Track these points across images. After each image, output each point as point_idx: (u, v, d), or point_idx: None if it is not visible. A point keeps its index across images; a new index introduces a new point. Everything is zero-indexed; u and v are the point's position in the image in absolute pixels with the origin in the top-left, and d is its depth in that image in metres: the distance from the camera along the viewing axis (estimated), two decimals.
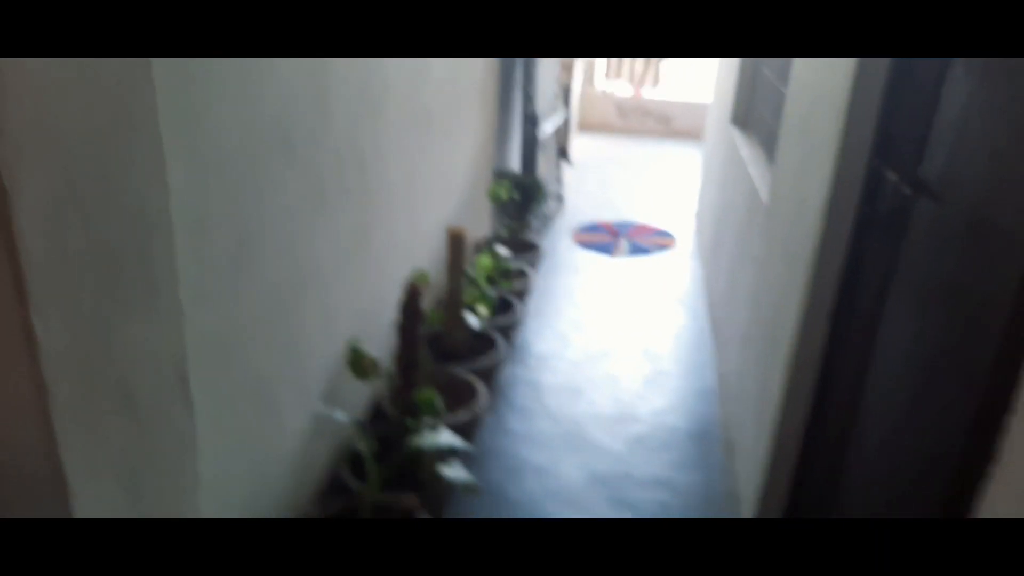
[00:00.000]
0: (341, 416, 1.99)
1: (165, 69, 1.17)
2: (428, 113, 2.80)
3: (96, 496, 0.91)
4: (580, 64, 6.99)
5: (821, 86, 2.00)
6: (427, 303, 2.92)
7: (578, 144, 7.54)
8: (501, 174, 3.80)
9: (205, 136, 1.29)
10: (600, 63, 7.79)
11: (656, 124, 7.94)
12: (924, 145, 1.49)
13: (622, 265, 4.64)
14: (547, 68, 4.97)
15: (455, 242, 2.72)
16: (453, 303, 2.78)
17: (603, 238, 5.07)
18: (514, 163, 4.62)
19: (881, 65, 1.66)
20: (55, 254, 0.79)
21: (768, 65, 3.42)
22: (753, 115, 3.73)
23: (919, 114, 1.52)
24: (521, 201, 3.72)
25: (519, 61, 4.35)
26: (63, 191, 0.78)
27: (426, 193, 2.90)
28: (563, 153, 6.05)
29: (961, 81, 1.36)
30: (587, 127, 7.99)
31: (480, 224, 3.96)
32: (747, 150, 3.39)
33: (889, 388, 1.57)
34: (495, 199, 3.54)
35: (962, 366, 1.25)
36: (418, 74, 2.63)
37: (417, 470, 2.09)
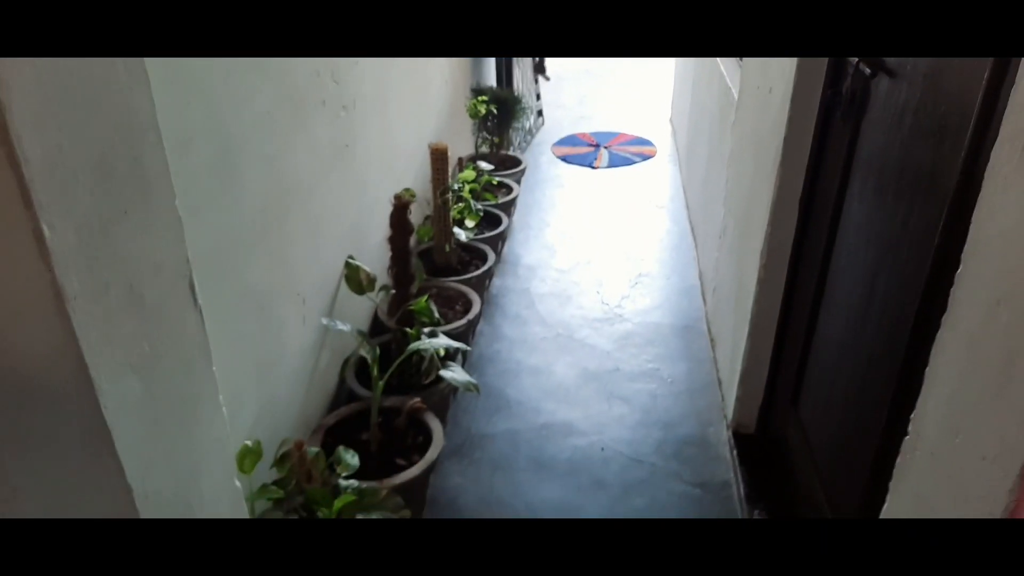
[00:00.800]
0: (343, 326, 2.10)
1: None
2: None
3: (120, 395, 1.00)
4: None
5: None
6: (415, 220, 3.00)
7: (552, 59, 7.46)
8: (478, 90, 3.81)
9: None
10: None
11: None
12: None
13: (603, 175, 4.71)
14: None
15: (437, 157, 2.77)
16: (440, 217, 2.87)
17: (583, 150, 5.12)
18: (491, 79, 4.61)
19: None
20: (51, 156, 0.86)
21: None
22: None
23: None
24: (500, 116, 3.75)
25: None
26: (53, 96, 0.85)
27: (402, 110, 2.93)
28: (540, 68, 6.00)
29: None
30: None
31: (462, 141, 3.99)
32: None
33: (850, 265, 1.69)
34: (474, 115, 3.57)
35: (915, 235, 1.36)
36: None
37: (419, 374, 2.22)
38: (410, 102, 3.04)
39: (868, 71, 1.57)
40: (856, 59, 1.65)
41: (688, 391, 2.64)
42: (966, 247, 0.99)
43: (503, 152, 4.07)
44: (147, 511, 1.10)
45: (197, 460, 1.21)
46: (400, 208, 2.15)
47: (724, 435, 2.41)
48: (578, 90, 6.69)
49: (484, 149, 3.95)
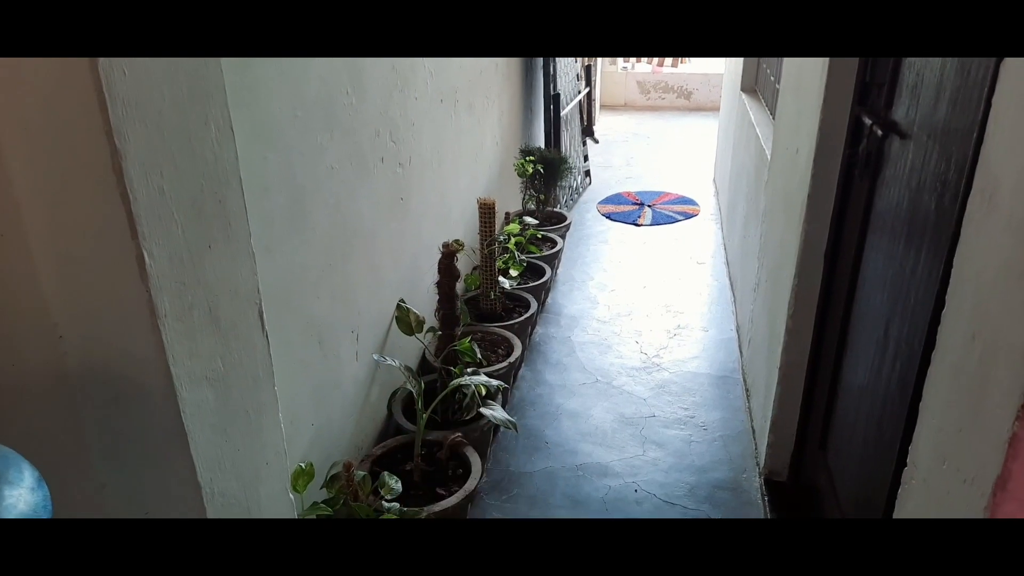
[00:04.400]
0: (392, 362, 2.26)
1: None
2: (454, 91, 3.05)
3: (197, 403, 1.17)
4: None
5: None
6: (464, 269, 3.19)
7: (603, 122, 7.71)
8: (527, 151, 4.04)
9: (261, 110, 1.56)
10: None
11: (677, 99, 8.07)
12: (893, 90, 1.68)
13: (647, 233, 4.84)
14: None
15: (485, 211, 2.96)
16: (486, 266, 3.04)
17: (628, 208, 5.27)
18: (540, 141, 4.84)
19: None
20: (154, 197, 1.04)
21: None
22: (760, 80, 3.89)
23: (889, 63, 1.71)
24: (546, 175, 3.95)
25: None
26: (158, 148, 1.04)
27: (455, 167, 3.15)
28: (588, 131, 6.24)
29: None
30: (611, 106, 8.15)
31: (510, 198, 4.20)
32: (755, 114, 3.57)
33: (868, 313, 1.77)
34: (521, 174, 3.78)
35: (921, 282, 1.45)
36: (444, 56, 2.87)
37: (461, 410, 2.35)
38: (463, 160, 3.26)
39: (880, 132, 1.69)
40: (870, 121, 1.77)
41: (722, 438, 2.70)
42: (949, 287, 1.09)
43: (549, 208, 4.26)
44: (214, 510, 1.25)
45: (258, 467, 1.36)
46: (447, 255, 2.32)
47: (756, 482, 2.46)
48: (626, 151, 6.90)
49: (531, 206, 4.15)
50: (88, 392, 1.14)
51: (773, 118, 3.28)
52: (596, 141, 7.00)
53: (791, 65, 2.52)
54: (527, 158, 3.81)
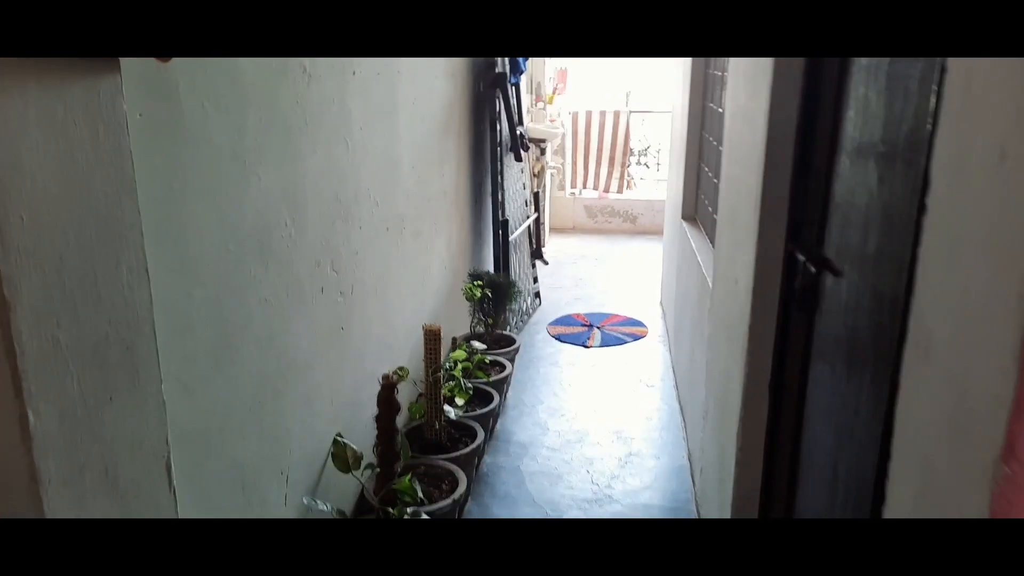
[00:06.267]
0: (324, 506, 2.11)
1: (150, 186, 1.40)
2: (400, 220, 3.06)
3: None
4: (549, 173, 7.43)
5: (743, 180, 2.28)
6: (409, 396, 3.08)
7: (552, 244, 7.89)
8: (476, 275, 4.05)
9: (189, 245, 1.51)
10: (568, 172, 8.27)
11: (623, 222, 8.36)
12: (823, 227, 1.73)
13: (596, 355, 4.83)
14: (516, 176, 5.34)
15: (431, 338, 2.91)
16: (431, 395, 2.94)
17: (577, 330, 5.28)
18: (489, 265, 4.88)
19: (785, 159, 1.93)
20: (47, 349, 0.95)
21: (708, 164, 3.76)
22: (699, 209, 4.05)
23: (817, 201, 1.77)
24: (495, 299, 3.95)
25: (488, 173, 4.70)
26: (56, 297, 0.96)
27: (400, 293, 3.11)
28: (538, 254, 6.35)
29: (846, 169, 1.61)
30: (560, 229, 8.38)
31: (458, 321, 4.16)
32: (696, 241, 3.68)
33: (815, 449, 1.73)
34: (469, 298, 3.77)
35: (867, 428, 1.43)
36: (391, 183, 2.90)
37: None
38: (409, 286, 3.23)
39: (814, 269, 1.72)
40: (803, 257, 1.80)
41: None
42: (894, 438, 1.06)
43: (499, 331, 4.23)
44: None
45: None
46: (387, 388, 2.23)
47: None
48: (575, 272, 7.02)
49: (480, 329, 4.12)
50: None
51: (713, 247, 3.37)
52: (546, 263, 7.13)
53: (726, 198, 2.61)
54: (475, 283, 3.81)
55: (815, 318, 1.76)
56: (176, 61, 1.40)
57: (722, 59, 3.39)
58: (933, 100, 1.06)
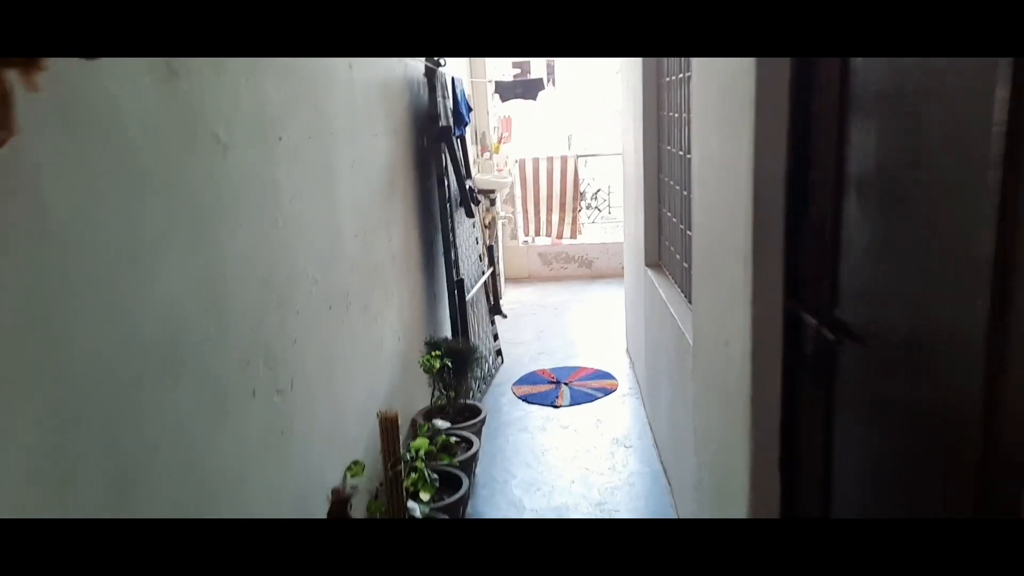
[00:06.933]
0: None
1: (19, 288, 1.08)
2: (345, 295, 2.75)
3: None
4: (500, 223, 7.22)
5: (724, 232, 2.05)
6: (369, 485, 2.73)
7: (509, 295, 7.64)
8: (433, 343, 3.74)
9: (70, 373, 1.18)
10: (519, 220, 8.09)
11: (579, 268, 8.18)
12: (835, 287, 1.50)
13: (567, 414, 4.54)
14: (468, 232, 5.09)
15: (387, 427, 2.58)
16: (392, 491, 2.60)
17: (544, 388, 4.99)
18: (446, 327, 4.58)
19: (776, 209, 1.70)
20: None
21: (670, 208, 3.56)
22: (664, 257, 3.84)
23: (825, 253, 1.54)
24: (455, 367, 3.63)
25: (439, 231, 4.43)
26: None
27: (350, 378, 2.79)
28: (496, 309, 6.08)
29: (857, 213, 1.39)
30: (516, 279, 8.15)
31: (418, 395, 3.83)
32: (665, 291, 3.45)
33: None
34: (428, 370, 3.45)
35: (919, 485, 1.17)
36: (332, 255, 2.60)
37: None
38: (360, 367, 2.91)
39: (831, 335, 1.48)
40: (814, 321, 1.57)
41: None
42: None
43: (462, 402, 3.91)
44: None
45: None
46: (338, 504, 1.90)
47: None
48: (535, 324, 6.76)
49: (441, 403, 3.79)
50: None
51: (688, 300, 3.14)
52: (504, 316, 6.86)
53: (700, 247, 2.38)
54: (433, 353, 3.50)
55: (835, 388, 1.52)
56: (36, 140, 1.10)
57: (679, 100, 3.22)
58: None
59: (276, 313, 2.06)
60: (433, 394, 3.60)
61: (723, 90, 1.99)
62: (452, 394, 3.61)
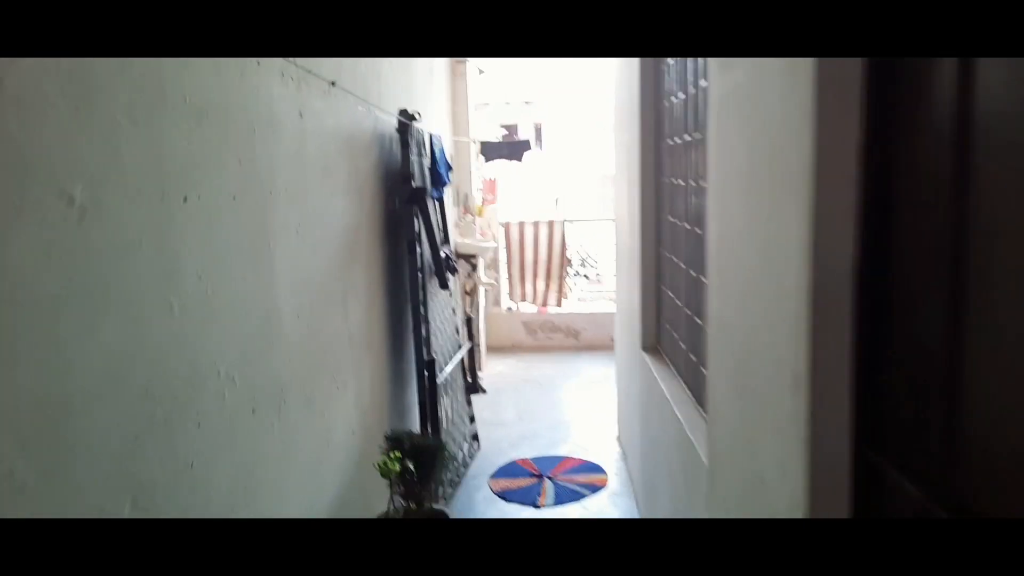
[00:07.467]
0: None
1: None
2: (279, 391, 2.23)
3: None
4: (482, 289, 6.75)
5: (753, 333, 1.57)
6: None
7: (491, 367, 7.11)
8: (395, 438, 3.18)
9: None
10: (504, 286, 7.62)
11: (565, 338, 7.69)
12: (951, 442, 1.00)
13: (550, 516, 3.96)
14: (443, 304, 4.59)
15: None
16: None
17: (525, 482, 4.42)
18: (415, 416, 4.02)
19: (842, 312, 1.23)
20: None
21: (672, 288, 3.10)
22: (665, 342, 3.34)
23: (922, 393, 1.05)
24: (420, 470, 3.07)
25: (409, 304, 3.93)
26: None
27: (281, 494, 2.23)
28: (473, 387, 5.54)
29: (993, 336, 0.91)
30: (498, 348, 7.63)
31: (376, 498, 3.25)
32: (667, 385, 2.94)
33: None
34: (384, 474, 2.89)
35: None
36: (260, 344, 2.09)
37: None
38: (295, 477, 2.36)
39: (940, 510, 0.97)
40: (915, 490, 1.06)
41: None
42: None
43: (428, 506, 3.32)
44: None
45: None
46: None
47: None
48: (517, 402, 6.20)
49: (400, 515, 3.20)
50: None
51: (696, 400, 2.62)
52: (484, 392, 6.30)
53: (721, 348, 1.88)
54: (393, 452, 2.94)
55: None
56: None
57: (684, 165, 2.78)
58: None
59: (161, 431, 1.53)
60: (391, 504, 3.02)
61: (755, 149, 1.54)
62: (413, 507, 3.03)
